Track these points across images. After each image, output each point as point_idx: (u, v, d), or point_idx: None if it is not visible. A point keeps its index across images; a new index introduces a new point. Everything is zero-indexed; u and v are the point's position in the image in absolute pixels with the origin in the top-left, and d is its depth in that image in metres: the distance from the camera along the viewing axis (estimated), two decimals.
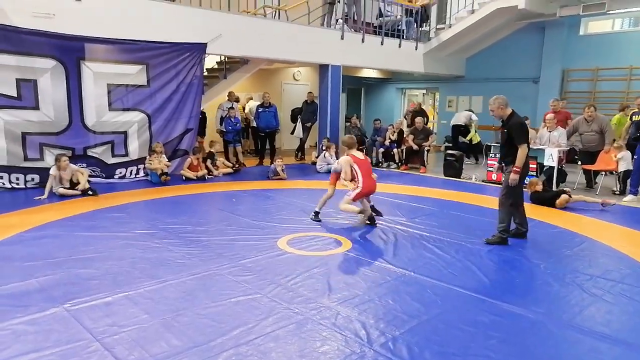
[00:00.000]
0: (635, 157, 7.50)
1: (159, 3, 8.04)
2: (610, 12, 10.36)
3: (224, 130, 10.06)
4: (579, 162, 8.92)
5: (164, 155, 8.37)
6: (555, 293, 3.80)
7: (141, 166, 8.47)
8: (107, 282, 3.78)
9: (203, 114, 9.74)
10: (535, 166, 8.22)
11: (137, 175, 8.46)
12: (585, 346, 2.96)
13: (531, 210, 6.63)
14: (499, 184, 8.57)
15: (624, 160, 7.86)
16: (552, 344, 2.97)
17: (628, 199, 7.23)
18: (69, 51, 7.37)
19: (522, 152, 4.76)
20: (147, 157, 8.30)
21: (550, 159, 8.03)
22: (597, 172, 8.37)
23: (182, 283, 3.80)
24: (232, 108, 10.10)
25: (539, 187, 7.08)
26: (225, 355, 2.75)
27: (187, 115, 8.92)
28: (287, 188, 7.96)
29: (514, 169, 4.79)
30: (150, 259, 4.33)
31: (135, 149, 8.45)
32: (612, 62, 11.25)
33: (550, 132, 8.26)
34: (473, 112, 12.29)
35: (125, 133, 8.32)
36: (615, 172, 8.03)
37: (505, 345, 2.93)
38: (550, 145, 8.18)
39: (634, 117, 7.93)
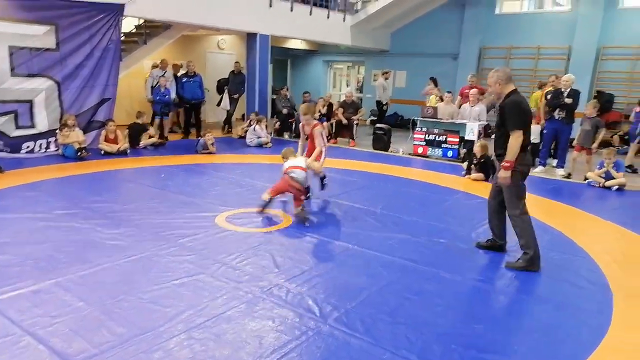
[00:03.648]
0: (544, 131, 8.16)
1: None
2: None
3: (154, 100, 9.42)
4: (494, 136, 9.51)
5: (77, 128, 7.66)
6: (489, 260, 4.07)
7: (52, 139, 7.71)
8: (30, 268, 3.42)
9: None
10: (457, 140, 8.67)
11: (48, 150, 7.69)
12: (522, 307, 3.21)
13: (455, 182, 7.03)
14: (425, 156, 9.00)
15: (534, 134, 8.52)
16: (492, 308, 3.19)
17: (538, 170, 7.89)
18: None
19: (514, 140, 3.69)
20: (58, 131, 7.54)
21: (471, 133, 8.50)
22: None
23: (117, 266, 3.54)
24: (162, 76, 9.43)
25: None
26: (176, 341, 2.62)
27: (102, 83, 8.22)
28: (217, 162, 7.69)
29: (504, 163, 3.75)
30: (77, 242, 3.98)
31: (43, 120, 7.65)
32: (523, 42, 12.05)
33: (472, 107, 8.72)
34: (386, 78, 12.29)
35: (30, 102, 7.48)
36: None
37: (451, 311, 3.09)
38: (471, 120, 8.65)
39: (547, 96, 8.46)
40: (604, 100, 10.97)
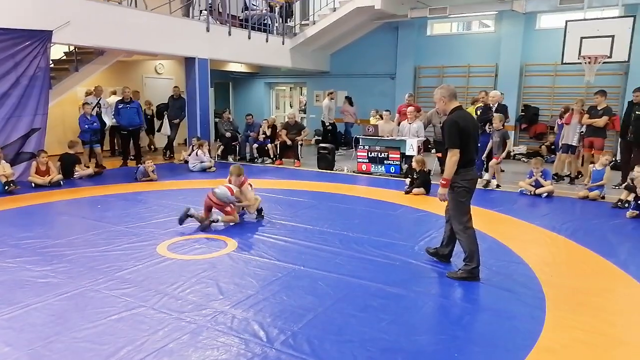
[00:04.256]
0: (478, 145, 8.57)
1: None
2: (451, 15, 11.68)
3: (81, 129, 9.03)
4: (433, 151, 9.90)
5: (4, 161, 7.21)
6: (429, 271, 4.18)
7: None
8: None
9: None
10: (398, 156, 8.94)
11: None
12: (462, 316, 3.32)
13: (398, 197, 7.21)
14: (369, 173, 9.19)
15: None
16: (435, 319, 3.27)
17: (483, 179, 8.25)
18: None
19: (449, 159, 3.81)
20: None
21: (411, 148, 8.79)
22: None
23: (49, 305, 3.33)
24: (87, 104, 9.10)
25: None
26: None
27: (31, 112, 7.83)
28: (158, 190, 7.47)
29: (441, 181, 3.93)
30: (3, 282, 3.72)
31: None
32: (454, 61, 12.70)
33: (410, 124, 9.04)
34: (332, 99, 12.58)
35: None
36: None
37: (395, 325, 3.14)
38: (410, 136, 8.95)
39: (478, 112, 8.90)
40: (531, 114, 11.78)
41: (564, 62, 9.16)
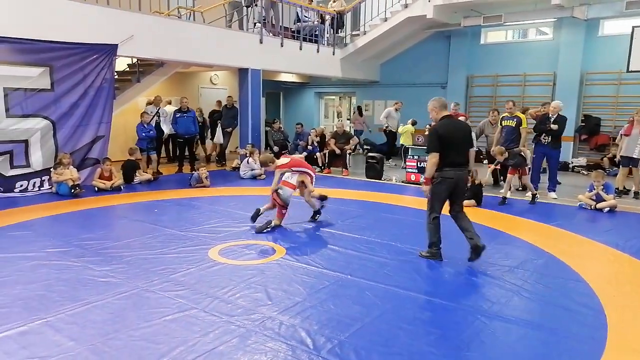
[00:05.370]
0: (533, 155, 8.26)
1: (66, 1, 7.40)
2: (506, 23, 11.36)
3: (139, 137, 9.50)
4: (485, 162, 9.60)
5: (72, 166, 7.71)
6: (481, 286, 4.07)
7: (46, 178, 7.75)
8: (19, 309, 3.39)
9: None
10: None
11: (42, 188, 7.71)
12: (515, 334, 3.19)
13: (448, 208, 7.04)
14: (418, 184, 9.06)
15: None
16: (485, 335, 3.16)
17: (529, 195, 7.95)
18: None
19: (428, 161, 4.48)
20: (53, 169, 7.58)
21: None
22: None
23: (109, 304, 3.51)
24: (146, 113, 9.58)
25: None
26: None
27: (97, 121, 8.32)
28: (211, 196, 7.71)
29: (422, 179, 4.58)
30: (68, 280, 3.96)
31: (38, 159, 7.71)
32: (509, 70, 12.33)
33: None
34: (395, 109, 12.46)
35: (26, 142, 7.55)
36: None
37: (444, 339, 3.07)
38: None
39: (503, 122, 8.52)
40: (592, 124, 11.20)
41: (629, 70, 8.68)
